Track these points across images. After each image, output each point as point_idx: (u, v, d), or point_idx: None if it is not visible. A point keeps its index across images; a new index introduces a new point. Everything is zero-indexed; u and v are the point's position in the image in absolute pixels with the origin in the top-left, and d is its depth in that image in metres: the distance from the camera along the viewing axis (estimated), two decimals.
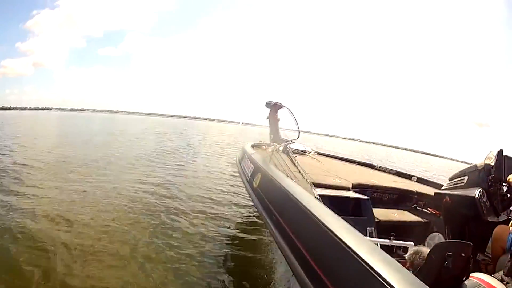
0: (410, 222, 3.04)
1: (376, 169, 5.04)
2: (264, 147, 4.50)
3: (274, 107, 4.41)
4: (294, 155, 3.79)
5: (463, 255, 1.22)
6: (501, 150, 2.17)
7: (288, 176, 2.65)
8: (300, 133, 4.29)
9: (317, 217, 1.65)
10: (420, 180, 4.44)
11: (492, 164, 2.15)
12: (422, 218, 3.15)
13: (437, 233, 2.70)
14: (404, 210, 3.39)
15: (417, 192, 3.70)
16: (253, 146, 4.39)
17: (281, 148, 4.10)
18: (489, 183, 2.10)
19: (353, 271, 1.24)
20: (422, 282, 1.03)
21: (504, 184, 2.15)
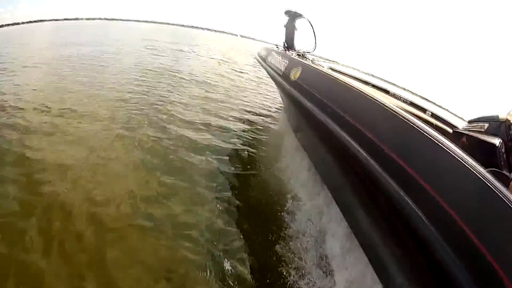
0: None
1: (391, 95, 4.89)
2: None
3: (293, 15, 4.24)
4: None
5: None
6: None
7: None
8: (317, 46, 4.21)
9: (388, 107, 1.63)
10: (434, 116, 4.24)
11: None
12: None
13: None
14: None
15: (435, 125, 3.72)
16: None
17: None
18: (509, 138, 2.08)
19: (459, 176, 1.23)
20: None
21: None
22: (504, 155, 2.02)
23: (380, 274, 2.00)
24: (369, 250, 2.17)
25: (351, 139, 1.75)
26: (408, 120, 1.53)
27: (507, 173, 1.93)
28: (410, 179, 1.33)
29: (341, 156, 2.05)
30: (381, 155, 1.51)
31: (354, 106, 1.92)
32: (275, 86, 4.98)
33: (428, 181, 1.27)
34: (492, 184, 1.14)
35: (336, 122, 1.93)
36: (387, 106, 1.68)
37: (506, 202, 1.07)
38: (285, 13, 4.25)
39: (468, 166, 1.23)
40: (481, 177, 1.17)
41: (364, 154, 1.62)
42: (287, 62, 3.32)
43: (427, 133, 1.42)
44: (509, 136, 2.10)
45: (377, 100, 1.78)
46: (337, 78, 2.27)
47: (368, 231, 2.10)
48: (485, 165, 1.82)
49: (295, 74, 2.89)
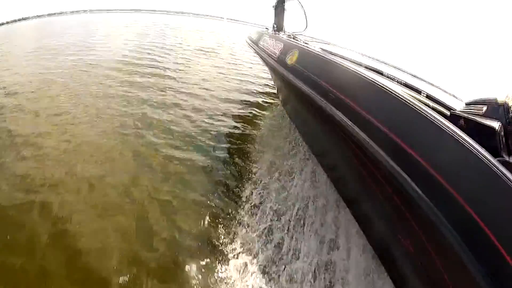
0: None
1: (385, 76, 4.82)
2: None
3: None
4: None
5: None
6: None
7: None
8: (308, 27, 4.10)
9: (394, 92, 1.60)
10: (429, 97, 4.26)
11: (511, 103, 2.11)
12: None
13: None
14: None
15: (432, 107, 3.65)
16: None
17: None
18: (507, 121, 2.06)
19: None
20: None
21: None
22: (504, 139, 1.99)
23: (388, 269, 2.01)
24: (371, 238, 2.19)
25: (355, 125, 1.72)
26: (420, 109, 1.50)
27: (507, 158, 1.93)
28: (417, 166, 1.32)
29: (346, 143, 2.00)
30: (388, 141, 1.48)
31: (358, 91, 1.87)
32: (268, 71, 4.87)
33: (438, 170, 1.26)
34: (502, 172, 1.14)
35: (339, 108, 1.88)
36: (392, 92, 1.65)
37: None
38: None
39: (478, 155, 1.22)
40: (492, 166, 1.16)
41: (371, 141, 1.58)
42: (282, 45, 3.17)
43: (434, 120, 1.41)
44: (508, 119, 2.08)
45: (381, 85, 1.74)
46: (337, 62, 2.22)
47: (371, 218, 2.09)
48: (484, 148, 1.82)
49: (291, 58, 2.77)
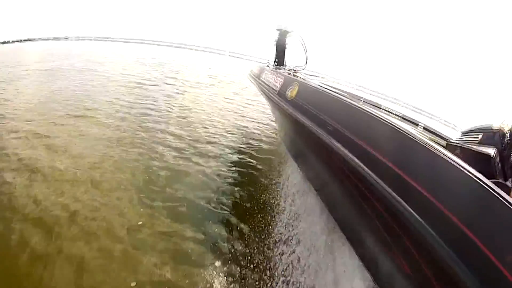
0: None
1: (383, 110, 4.91)
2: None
3: (284, 32, 4.25)
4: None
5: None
6: None
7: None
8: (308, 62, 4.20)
9: (396, 126, 1.61)
10: (426, 128, 4.39)
11: (506, 129, 2.19)
12: None
13: None
14: None
15: (429, 139, 3.71)
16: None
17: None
18: (503, 146, 2.13)
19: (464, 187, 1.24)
20: None
21: None
22: (499, 164, 2.05)
23: None
24: (373, 266, 2.14)
25: (354, 156, 1.72)
26: (414, 137, 1.53)
27: (503, 181, 1.96)
28: (417, 195, 1.33)
29: (346, 175, 1.97)
30: (389, 173, 1.49)
31: (356, 123, 1.90)
32: (268, 104, 4.91)
33: (438, 198, 1.26)
34: (496, 193, 1.15)
35: (338, 140, 1.90)
36: (391, 124, 1.67)
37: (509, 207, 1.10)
38: (276, 29, 4.26)
39: (473, 178, 1.23)
40: (486, 187, 1.18)
41: (372, 173, 1.57)
42: (282, 80, 3.27)
43: (431, 148, 1.43)
44: (504, 145, 2.13)
45: (378, 116, 1.77)
46: (336, 95, 2.26)
47: (372, 247, 2.06)
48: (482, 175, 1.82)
49: (291, 92, 2.84)
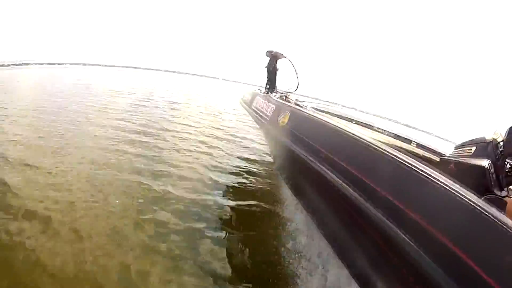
0: None
1: (375, 130, 4.95)
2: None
3: (274, 56, 4.24)
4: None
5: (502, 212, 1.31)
6: None
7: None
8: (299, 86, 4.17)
9: (390, 153, 1.62)
10: (419, 145, 4.40)
11: (499, 139, 2.18)
12: None
13: None
14: None
15: (422, 155, 3.74)
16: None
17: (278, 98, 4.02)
18: (497, 157, 2.11)
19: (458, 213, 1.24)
20: None
21: (508, 160, 2.18)
22: (494, 175, 2.04)
23: None
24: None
25: (346, 183, 1.74)
26: (408, 163, 1.54)
27: (499, 193, 1.99)
28: (411, 221, 1.33)
29: (338, 202, 1.97)
30: (381, 200, 1.50)
31: (346, 150, 1.95)
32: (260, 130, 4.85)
33: (428, 222, 1.28)
34: (488, 212, 1.15)
35: (329, 167, 1.93)
36: (382, 149, 1.69)
37: (505, 229, 1.09)
38: (266, 54, 4.26)
39: (463, 197, 1.24)
40: (477, 207, 1.18)
41: (364, 201, 1.58)
42: (274, 107, 3.28)
43: (423, 173, 1.44)
44: (497, 155, 2.13)
45: (369, 143, 1.79)
46: (326, 122, 2.30)
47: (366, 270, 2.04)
48: (476, 188, 1.83)
49: (283, 120, 2.87)
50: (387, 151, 1.65)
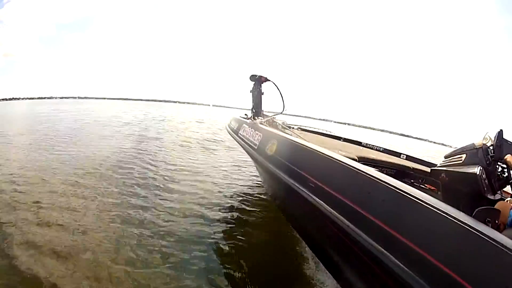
0: None
1: (364, 146, 4.98)
2: (250, 120, 4.35)
3: (258, 80, 4.24)
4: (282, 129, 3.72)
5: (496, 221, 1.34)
6: (501, 131, 2.22)
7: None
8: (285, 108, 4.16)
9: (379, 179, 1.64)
10: (409, 158, 4.44)
11: (489, 144, 2.20)
12: None
13: None
14: None
15: (413, 168, 3.77)
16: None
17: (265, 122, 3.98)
18: (487, 162, 2.13)
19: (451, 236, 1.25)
20: None
21: (499, 163, 2.22)
22: (486, 181, 2.04)
23: None
24: None
25: (336, 211, 1.74)
26: (395, 188, 1.55)
27: (492, 197, 2.00)
28: (401, 245, 1.34)
29: (329, 229, 1.93)
30: (371, 227, 1.50)
31: (335, 178, 1.95)
32: (248, 158, 4.79)
33: (416, 243, 1.29)
34: (478, 231, 1.16)
35: (318, 196, 1.94)
36: (372, 176, 1.70)
37: (498, 247, 1.09)
38: (250, 78, 4.27)
39: (453, 219, 1.25)
40: (467, 227, 1.20)
41: (355, 228, 1.58)
42: (261, 135, 3.27)
43: (412, 196, 1.45)
44: (488, 160, 2.14)
45: (359, 170, 1.80)
46: (314, 150, 2.29)
47: None
48: (469, 195, 1.99)
49: (271, 148, 2.87)
50: (378, 178, 1.65)
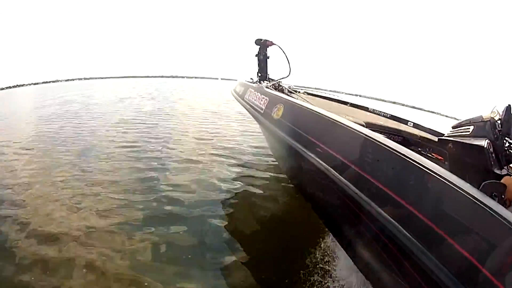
0: None
1: (370, 112, 4.90)
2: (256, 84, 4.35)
3: (264, 44, 4.20)
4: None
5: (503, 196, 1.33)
6: (510, 106, 2.17)
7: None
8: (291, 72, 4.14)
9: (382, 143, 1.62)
10: (416, 126, 4.37)
11: (497, 118, 2.17)
12: None
13: None
14: None
15: (420, 136, 3.74)
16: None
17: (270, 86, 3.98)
18: (495, 136, 2.10)
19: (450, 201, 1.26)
20: None
21: (507, 138, 2.18)
22: (493, 154, 2.02)
23: None
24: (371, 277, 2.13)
25: (344, 177, 1.73)
26: (404, 155, 1.54)
27: (499, 171, 1.96)
28: (409, 214, 1.36)
29: (335, 194, 1.95)
30: (379, 195, 1.51)
31: (344, 144, 1.92)
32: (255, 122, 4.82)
33: (424, 214, 1.30)
34: (485, 205, 1.16)
35: (325, 161, 1.93)
36: (382, 143, 1.66)
37: (503, 222, 1.09)
38: (255, 42, 4.23)
39: (461, 191, 1.24)
40: (474, 201, 1.19)
41: (362, 195, 1.59)
42: (267, 99, 3.21)
43: (421, 166, 1.44)
44: (495, 134, 2.12)
45: (369, 137, 1.76)
46: (321, 113, 2.25)
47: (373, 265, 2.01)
48: (476, 167, 1.99)
49: (277, 113, 2.82)
50: (385, 144, 1.64)
